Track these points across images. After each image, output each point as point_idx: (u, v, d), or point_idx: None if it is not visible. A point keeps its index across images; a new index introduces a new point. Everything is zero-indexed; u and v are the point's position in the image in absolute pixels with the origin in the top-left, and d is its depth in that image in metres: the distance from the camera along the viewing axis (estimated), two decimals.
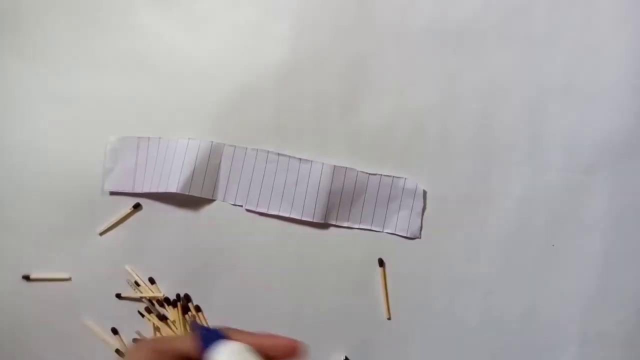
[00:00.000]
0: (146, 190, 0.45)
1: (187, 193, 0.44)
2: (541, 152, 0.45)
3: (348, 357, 0.44)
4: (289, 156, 0.45)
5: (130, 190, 0.46)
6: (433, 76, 0.45)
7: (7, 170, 0.46)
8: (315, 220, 0.45)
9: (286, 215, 0.45)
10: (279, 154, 0.45)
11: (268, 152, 0.45)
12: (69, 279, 0.46)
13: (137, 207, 0.46)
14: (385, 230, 0.45)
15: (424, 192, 0.45)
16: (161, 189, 0.45)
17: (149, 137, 0.46)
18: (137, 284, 0.45)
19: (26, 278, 0.46)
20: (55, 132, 0.46)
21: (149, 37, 0.46)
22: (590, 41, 0.45)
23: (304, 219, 0.45)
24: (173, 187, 0.44)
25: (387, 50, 0.45)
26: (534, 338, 0.44)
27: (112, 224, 0.46)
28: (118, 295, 0.45)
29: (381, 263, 0.45)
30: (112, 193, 0.46)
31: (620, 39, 0.45)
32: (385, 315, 0.44)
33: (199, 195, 0.44)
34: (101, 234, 0.46)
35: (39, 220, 0.46)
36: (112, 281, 0.45)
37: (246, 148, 0.45)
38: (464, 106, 0.45)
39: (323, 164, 0.45)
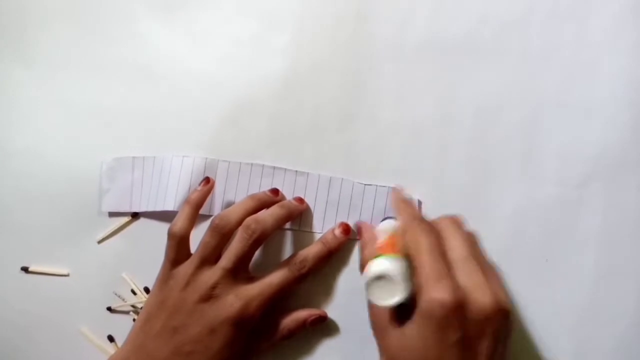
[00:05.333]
0: (143, 209, 0.46)
1: None
2: (535, 166, 0.45)
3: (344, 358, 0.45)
4: (285, 169, 0.45)
5: (127, 210, 0.46)
6: (428, 90, 0.45)
7: (9, 174, 0.47)
8: (313, 232, 0.45)
9: (284, 227, 0.45)
10: (274, 168, 0.45)
11: (263, 166, 0.45)
12: (67, 275, 0.46)
13: (135, 216, 0.46)
14: None
15: (419, 203, 0.45)
16: (158, 208, 0.45)
17: (143, 157, 0.46)
18: (133, 292, 0.46)
19: (25, 270, 0.46)
20: (57, 139, 0.47)
21: (150, 48, 0.47)
22: (584, 56, 0.45)
23: (302, 229, 0.45)
24: (170, 206, 0.45)
25: (384, 64, 0.45)
26: (527, 351, 0.44)
27: (110, 232, 0.46)
28: (109, 309, 0.46)
29: None
30: (110, 214, 0.46)
31: (614, 54, 0.45)
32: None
33: None
34: (99, 242, 0.46)
35: (39, 226, 0.46)
36: (109, 288, 0.46)
37: (240, 163, 0.45)
38: (459, 120, 0.45)
39: (319, 175, 0.45)
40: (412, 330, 0.34)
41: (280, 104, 0.46)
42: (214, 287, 0.40)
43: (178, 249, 0.42)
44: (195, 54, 0.47)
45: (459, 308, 0.33)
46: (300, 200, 0.45)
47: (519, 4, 0.45)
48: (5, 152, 0.47)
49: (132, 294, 0.46)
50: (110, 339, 0.46)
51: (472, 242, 0.38)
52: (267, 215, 0.42)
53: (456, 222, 0.39)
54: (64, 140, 0.47)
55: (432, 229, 0.37)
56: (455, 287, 0.33)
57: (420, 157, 0.45)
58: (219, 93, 0.46)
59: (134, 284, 0.46)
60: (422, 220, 0.38)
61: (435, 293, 0.33)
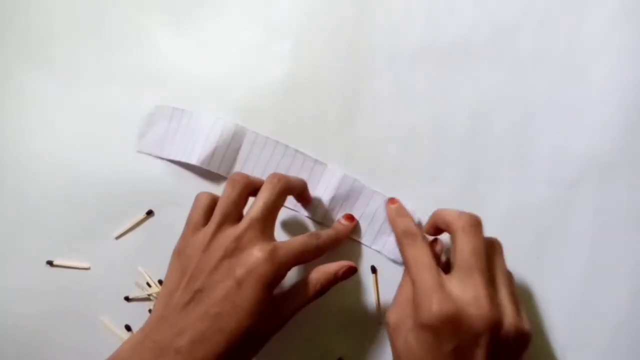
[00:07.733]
0: (172, 157, 0.48)
1: (205, 167, 0.47)
2: (528, 167, 0.46)
3: (342, 358, 0.46)
4: (305, 155, 0.47)
5: (158, 155, 0.48)
6: (424, 93, 0.48)
7: (34, 176, 0.49)
8: (313, 219, 0.47)
9: (290, 207, 0.47)
10: (296, 151, 0.47)
11: (286, 146, 0.47)
12: (88, 268, 0.48)
13: (149, 213, 0.49)
14: (373, 247, 0.46)
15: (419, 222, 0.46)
16: (184, 159, 0.47)
17: (182, 109, 0.48)
18: (148, 284, 0.49)
19: (50, 263, 0.48)
20: (76, 142, 0.49)
21: (161, 57, 0.50)
22: (575, 59, 0.46)
23: (304, 214, 0.47)
24: (194, 160, 0.47)
25: (381, 69, 0.48)
26: None
27: (127, 229, 0.49)
28: (127, 298, 0.48)
29: (373, 270, 0.46)
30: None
31: (605, 57, 0.46)
32: (378, 320, 0.46)
33: (216, 172, 0.47)
34: (117, 238, 0.49)
35: (62, 224, 0.49)
36: (126, 281, 0.48)
37: (267, 137, 0.47)
38: (454, 122, 0.47)
39: (335, 169, 0.47)
40: (413, 336, 0.36)
41: (283, 107, 0.48)
42: (239, 238, 0.38)
43: (204, 211, 0.40)
44: (203, 61, 0.50)
45: (452, 320, 0.35)
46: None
47: (512, 10, 0.47)
48: (30, 154, 0.49)
49: (147, 287, 0.49)
50: (128, 328, 0.48)
51: (480, 251, 0.38)
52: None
53: (474, 225, 0.39)
54: (83, 144, 0.49)
55: (424, 243, 0.40)
56: (449, 300, 0.35)
57: (417, 157, 0.47)
58: (226, 98, 0.49)
59: (149, 276, 0.49)
60: (414, 235, 0.41)
61: (429, 305, 0.36)
